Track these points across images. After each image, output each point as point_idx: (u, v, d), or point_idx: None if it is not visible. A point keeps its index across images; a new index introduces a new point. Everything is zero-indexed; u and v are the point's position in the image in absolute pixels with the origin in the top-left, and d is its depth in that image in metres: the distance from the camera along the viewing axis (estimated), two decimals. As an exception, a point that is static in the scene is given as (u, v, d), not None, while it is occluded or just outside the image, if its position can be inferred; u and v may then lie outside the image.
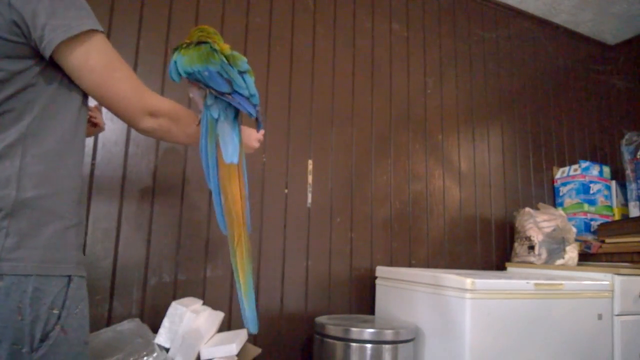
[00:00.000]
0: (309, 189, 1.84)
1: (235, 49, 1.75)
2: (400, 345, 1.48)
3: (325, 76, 1.95)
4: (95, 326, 1.40)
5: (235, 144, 0.95)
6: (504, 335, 1.45)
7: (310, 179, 1.85)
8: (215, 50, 0.97)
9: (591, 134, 2.70)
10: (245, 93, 0.95)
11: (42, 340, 0.73)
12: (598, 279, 1.72)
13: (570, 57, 2.71)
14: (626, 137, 2.44)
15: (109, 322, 1.44)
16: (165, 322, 1.31)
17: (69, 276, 0.77)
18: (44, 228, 0.76)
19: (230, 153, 0.94)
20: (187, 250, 1.60)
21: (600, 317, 1.65)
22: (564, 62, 2.69)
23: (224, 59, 0.97)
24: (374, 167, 2.00)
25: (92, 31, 0.80)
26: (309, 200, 1.83)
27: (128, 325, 1.35)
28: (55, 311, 0.74)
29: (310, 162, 1.86)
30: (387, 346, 1.47)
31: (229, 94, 0.93)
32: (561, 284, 1.59)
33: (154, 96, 0.89)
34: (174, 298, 1.51)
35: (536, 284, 1.53)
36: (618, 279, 1.70)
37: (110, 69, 0.82)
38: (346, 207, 1.91)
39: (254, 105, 0.96)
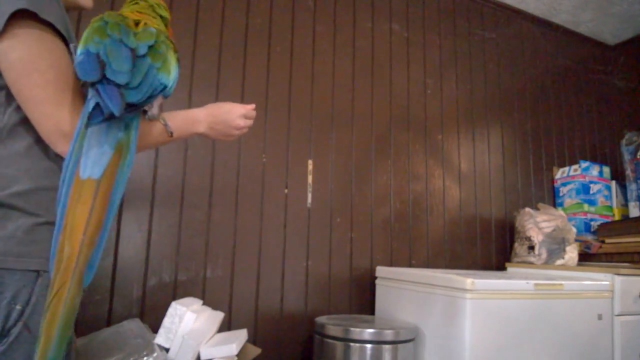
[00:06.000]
0: (309, 189, 1.84)
1: (235, 49, 1.77)
2: (400, 345, 1.48)
3: (325, 76, 1.95)
4: (95, 326, 1.40)
5: (105, 151, 0.70)
6: (504, 335, 1.45)
7: (310, 179, 1.85)
8: (107, 22, 0.74)
9: (591, 134, 2.70)
10: (122, 79, 0.69)
11: (2, 336, 0.69)
12: (598, 279, 1.72)
13: (570, 57, 2.71)
14: (626, 137, 2.45)
15: (109, 322, 1.44)
16: (165, 322, 1.31)
17: (37, 271, 0.72)
18: (9, 222, 0.72)
19: (91, 163, 0.69)
20: (187, 250, 1.60)
21: (600, 317, 1.65)
22: (564, 62, 2.69)
23: (118, 33, 0.73)
24: (374, 167, 2.00)
25: (28, 21, 0.70)
26: (309, 200, 1.83)
27: (128, 325, 1.35)
28: (19, 307, 0.70)
29: (310, 162, 1.86)
30: (387, 346, 1.47)
31: (95, 82, 0.69)
32: (561, 284, 1.59)
33: (76, 114, 0.72)
34: (174, 298, 1.51)
35: (536, 284, 1.53)
36: (618, 279, 1.70)
37: (30, 68, 0.70)
38: (346, 207, 1.91)
39: (135, 103, 0.71)
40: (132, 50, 0.72)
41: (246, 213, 1.71)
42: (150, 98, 0.75)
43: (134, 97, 0.70)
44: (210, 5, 1.76)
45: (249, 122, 1.01)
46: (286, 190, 1.80)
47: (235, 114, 0.97)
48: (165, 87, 0.80)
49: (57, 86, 0.72)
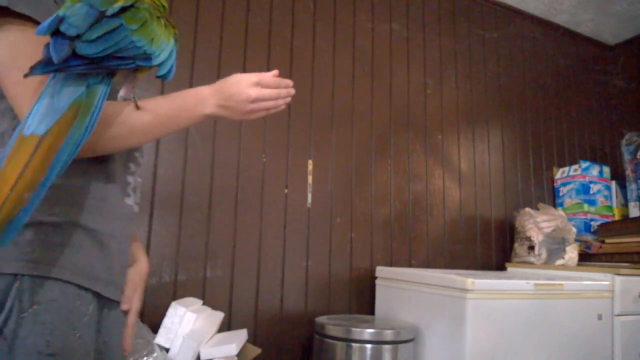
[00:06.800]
0: (309, 189, 1.84)
1: (235, 49, 1.77)
2: (400, 346, 1.48)
3: (325, 76, 1.95)
4: (95, 326, 1.40)
5: (56, 109, 0.64)
6: (504, 335, 1.45)
7: (310, 179, 1.85)
8: None
9: (591, 134, 2.70)
10: (73, 31, 0.64)
11: None
12: (598, 279, 1.72)
13: (570, 57, 2.71)
14: (626, 137, 2.44)
15: (109, 322, 1.44)
16: (165, 322, 1.31)
17: (15, 275, 0.68)
18: None
19: (37, 120, 0.62)
20: (187, 250, 1.60)
21: (600, 317, 1.65)
22: (564, 62, 2.69)
23: None
24: (374, 167, 2.00)
25: (6, 17, 0.68)
26: (309, 200, 1.83)
27: (128, 325, 1.35)
28: (2, 313, 0.66)
29: (310, 162, 1.86)
30: (387, 346, 1.47)
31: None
32: (561, 284, 1.59)
33: None
34: (174, 298, 1.51)
35: (536, 284, 1.53)
36: (618, 279, 1.70)
37: (10, 66, 0.69)
38: (346, 207, 1.91)
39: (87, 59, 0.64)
40: (101, 12, 0.67)
41: (246, 213, 1.71)
42: (120, 60, 0.69)
43: (87, 50, 0.64)
44: (210, 5, 1.76)
45: (269, 92, 0.84)
46: (286, 190, 1.80)
47: (244, 84, 0.81)
48: (149, 56, 0.72)
49: (39, 81, 0.69)
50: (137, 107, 0.75)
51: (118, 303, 0.84)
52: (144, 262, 0.96)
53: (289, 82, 0.86)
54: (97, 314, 0.78)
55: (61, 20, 0.64)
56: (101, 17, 0.66)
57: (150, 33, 0.72)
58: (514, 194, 2.36)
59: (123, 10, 0.68)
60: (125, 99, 0.77)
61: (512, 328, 1.47)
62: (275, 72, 0.85)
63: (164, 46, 0.75)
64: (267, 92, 0.83)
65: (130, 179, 0.88)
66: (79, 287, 0.73)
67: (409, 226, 2.04)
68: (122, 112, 0.75)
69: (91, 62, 0.65)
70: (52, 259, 0.71)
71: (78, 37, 0.64)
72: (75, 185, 0.75)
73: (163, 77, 0.79)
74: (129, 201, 0.86)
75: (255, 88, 0.82)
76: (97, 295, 0.76)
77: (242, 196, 1.71)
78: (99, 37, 0.65)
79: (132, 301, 0.89)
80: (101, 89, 0.68)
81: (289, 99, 0.87)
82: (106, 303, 0.80)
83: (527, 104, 2.50)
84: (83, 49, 0.64)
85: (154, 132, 0.79)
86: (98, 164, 0.78)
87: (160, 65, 0.76)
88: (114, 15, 0.67)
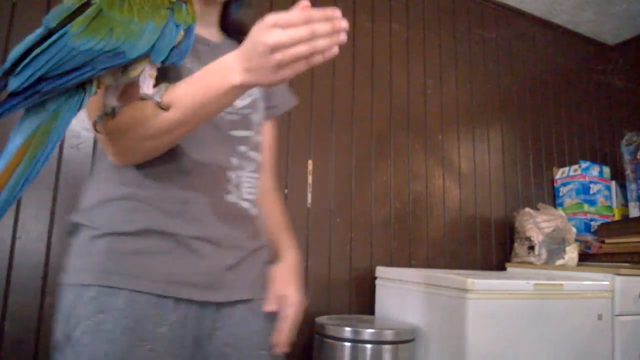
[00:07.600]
0: (309, 189, 1.84)
1: (235, 49, 1.77)
2: (400, 346, 1.48)
3: (325, 76, 1.95)
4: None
5: (9, 151, 0.56)
6: (504, 335, 1.45)
7: (310, 179, 1.85)
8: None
9: (591, 134, 2.70)
10: (4, 66, 0.56)
11: (53, 347, 0.71)
12: (598, 279, 1.72)
13: (570, 57, 2.71)
14: (626, 137, 2.44)
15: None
16: (165, 322, 1.30)
17: (85, 285, 0.71)
18: (75, 237, 0.75)
19: None
20: (187, 250, 1.60)
21: (600, 317, 1.65)
22: (564, 62, 2.69)
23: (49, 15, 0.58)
24: (374, 167, 2.00)
25: None
26: (309, 200, 1.83)
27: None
28: (72, 319, 0.70)
29: (310, 162, 1.86)
30: (387, 346, 1.47)
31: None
32: (561, 284, 1.59)
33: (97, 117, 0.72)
34: (174, 298, 1.51)
35: (536, 284, 1.53)
36: (618, 279, 1.70)
37: None
38: (346, 207, 1.91)
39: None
40: (50, 30, 0.57)
41: (246, 213, 1.71)
42: (67, 76, 0.57)
43: (14, 84, 0.55)
44: (210, 5, 1.75)
45: (292, 34, 0.56)
46: (286, 190, 1.80)
47: (258, 32, 0.58)
48: (115, 51, 0.60)
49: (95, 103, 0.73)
50: (160, 106, 0.66)
51: (243, 302, 0.83)
52: (289, 257, 0.98)
53: (330, 12, 0.57)
54: (198, 320, 0.76)
55: None
56: (48, 35, 0.57)
57: (104, 25, 0.59)
58: (514, 194, 2.36)
59: (75, 15, 0.58)
60: (148, 97, 0.67)
61: (512, 328, 1.47)
62: (304, 3, 0.58)
63: (140, 30, 0.62)
64: (290, 33, 0.56)
65: (231, 175, 0.81)
66: (158, 295, 0.71)
67: (409, 226, 2.04)
68: (147, 111, 0.67)
69: (32, 92, 0.56)
70: (124, 268, 0.71)
71: (12, 71, 0.55)
72: (150, 192, 0.75)
73: (171, 63, 0.69)
74: (231, 198, 0.81)
75: (272, 32, 0.57)
76: (191, 300, 0.74)
77: (242, 196, 1.71)
78: (27, 64, 0.55)
79: (274, 300, 0.90)
80: (63, 112, 0.59)
81: (340, 37, 0.58)
82: (218, 306, 0.78)
83: (527, 104, 2.50)
84: (11, 84, 0.55)
85: (190, 123, 0.68)
86: (172, 166, 0.76)
87: (151, 52, 0.64)
88: (58, 28, 0.57)
